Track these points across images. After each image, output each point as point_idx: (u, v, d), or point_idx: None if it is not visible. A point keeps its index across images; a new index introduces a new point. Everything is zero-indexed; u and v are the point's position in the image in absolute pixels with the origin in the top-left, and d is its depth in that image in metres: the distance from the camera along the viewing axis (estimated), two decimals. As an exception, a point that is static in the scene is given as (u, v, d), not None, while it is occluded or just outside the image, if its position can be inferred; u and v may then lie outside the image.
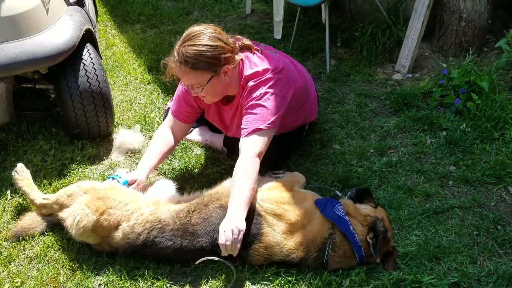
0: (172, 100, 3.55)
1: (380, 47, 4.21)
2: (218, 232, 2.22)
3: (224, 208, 2.31)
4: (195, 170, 3.01)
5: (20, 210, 2.72)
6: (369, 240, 2.26)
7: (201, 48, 2.37)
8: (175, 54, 2.42)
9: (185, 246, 2.28)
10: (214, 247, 2.26)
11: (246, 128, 2.49)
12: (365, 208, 2.42)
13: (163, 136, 2.79)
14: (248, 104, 2.55)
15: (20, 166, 2.72)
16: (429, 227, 2.53)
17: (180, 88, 2.79)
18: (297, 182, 2.60)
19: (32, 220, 2.57)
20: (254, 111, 2.52)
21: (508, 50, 3.43)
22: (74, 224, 2.31)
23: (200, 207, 2.36)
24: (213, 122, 2.96)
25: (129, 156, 3.18)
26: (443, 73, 3.58)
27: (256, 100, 2.53)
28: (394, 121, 3.41)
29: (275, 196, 2.38)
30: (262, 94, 2.53)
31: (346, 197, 2.57)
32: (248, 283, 2.27)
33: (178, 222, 2.31)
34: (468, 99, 3.36)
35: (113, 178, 2.54)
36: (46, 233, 2.55)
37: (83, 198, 2.39)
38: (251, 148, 2.43)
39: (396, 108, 3.55)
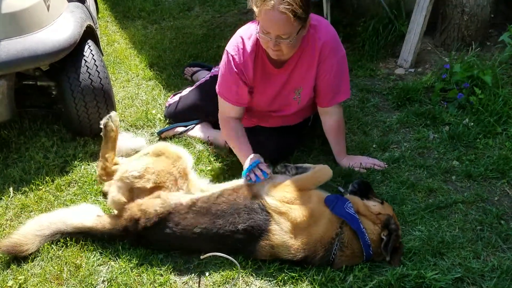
0: (174, 95, 3.56)
1: (382, 42, 4.20)
2: (233, 216, 2.29)
3: (245, 197, 2.36)
4: (197, 167, 3.00)
5: (22, 208, 2.73)
6: (383, 237, 2.25)
7: None
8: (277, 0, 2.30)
9: (202, 223, 2.31)
10: (226, 232, 2.28)
11: (335, 97, 2.80)
12: (374, 205, 2.39)
13: (234, 124, 2.79)
14: (332, 67, 2.70)
15: (115, 114, 2.76)
16: (433, 222, 2.52)
17: (229, 75, 2.70)
18: (315, 181, 2.50)
19: (24, 238, 2.38)
20: (339, 76, 2.75)
21: (511, 44, 3.41)
22: (132, 171, 2.45)
23: (235, 188, 2.43)
24: (255, 101, 2.85)
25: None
26: (446, 67, 3.56)
27: (339, 63, 2.71)
28: (397, 116, 3.40)
29: (279, 194, 2.37)
30: (343, 56, 2.75)
31: (348, 192, 2.55)
32: (251, 279, 2.27)
33: (207, 201, 2.38)
34: (471, 93, 3.34)
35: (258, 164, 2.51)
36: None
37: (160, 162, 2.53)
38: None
39: (399, 103, 3.53)
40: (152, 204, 2.37)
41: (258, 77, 2.73)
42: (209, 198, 2.40)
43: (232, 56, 2.66)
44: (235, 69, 2.66)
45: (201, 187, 2.57)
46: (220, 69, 2.78)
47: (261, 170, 2.48)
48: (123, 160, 2.81)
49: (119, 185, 2.48)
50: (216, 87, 2.81)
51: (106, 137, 2.71)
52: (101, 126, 2.71)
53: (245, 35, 2.67)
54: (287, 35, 2.41)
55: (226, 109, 2.80)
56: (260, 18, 2.43)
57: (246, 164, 2.55)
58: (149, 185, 2.43)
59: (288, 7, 2.30)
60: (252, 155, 2.59)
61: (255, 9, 2.44)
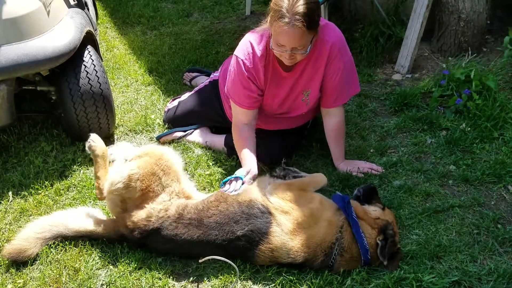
0: (173, 100, 3.58)
1: (380, 48, 4.23)
2: (229, 225, 2.27)
3: (240, 204, 2.33)
4: (196, 171, 3.02)
5: (22, 212, 2.74)
6: (378, 242, 2.27)
7: (314, 6, 2.39)
8: (289, 15, 2.34)
9: (198, 236, 2.30)
10: (223, 241, 2.28)
11: (340, 98, 2.85)
12: (375, 210, 2.42)
13: (247, 131, 2.80)
14: (339, 69, 2.71)
15: (94, 135, 2.72)
16: (430, 226, 2.54)
17: (240, 80, 2.71)
18: (315, 184, 2.56)
19: (26, 242, 2.40)
20: (346, 78, 2.78)
21: (510, 48, 3.43)
22: (117, 182, 2.41)
23: (220, 199, 2.39)
24: (265, 104, 2.87)
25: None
26: (444, 73, 3.58)
27: (346, 65, 2.73)
28: (394, 121, 3.42)
29: (282, 193, 2.39)
30: (350, 58, 2.78)
31: (352, 197, 2.57)
32: (249, 282, 2.28)
33: (196, 212, 2.35)
34: (468, 99, 3.36)
35: (236, 178, 2.47)
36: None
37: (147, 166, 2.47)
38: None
39: (396, 108, 3.56)
40: (140, 218, 2.37)
41: (268, 81, 2.76)
42: (196, 208, 2.37)
43: (242, 60, 2.68)
44: (246, 73, 2.68)
45: (188, 193, 2.54)
46: (229, 74, 2.80)
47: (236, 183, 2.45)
48: (111, 170, 2.75)
49: (110, 198, 2.47)
50: (226, 92, 2.84)
51: (93, 157, 2.70)
52: (87, 151, 2.73)
53: (254, 40, 2.69)
54: (302, 46, 2.46)
55: (239, 114, 2.82)
56: (273, 32, 2.46)
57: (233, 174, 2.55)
58: (136, 194, 2.40)
59: (302, 21, 2.34)
60: (242, 169, 2.59)
61: (268, 25, 2.49)
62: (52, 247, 2.46)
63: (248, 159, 2.67)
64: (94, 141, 2.70)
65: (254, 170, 2.60)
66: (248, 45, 2.69)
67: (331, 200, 2.47)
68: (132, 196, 2.40)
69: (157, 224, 2.34)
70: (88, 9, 3.58)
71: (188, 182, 2.62)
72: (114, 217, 2.52)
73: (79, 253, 2.44)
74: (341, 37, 2.74)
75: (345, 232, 2.29)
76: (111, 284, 2.29)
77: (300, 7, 2.33)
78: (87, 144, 2.71)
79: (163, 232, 2.33)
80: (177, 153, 2.65)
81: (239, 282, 2.27)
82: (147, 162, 2.47)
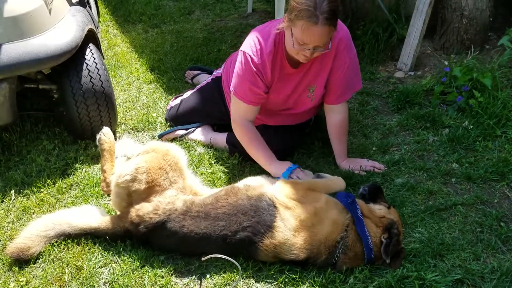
0: (175, 98, 3.58)
1: (382, 46, 4.22)
2: (237, 216, 2.29)
3: (250, 197, 2.35)
4: (198, 169, 3.02)
5: (24, 210, 2.74)
6: (383, 240, 2.27)
7: (338, 3, 2.42)
8: (317, 14, 2.34)
9: (204, 227, 2.31)
10: (229, 232, 2.28)
11: (344, 94, 2.88)
12: (380, 209, 2.41)
13: (253, 129, 2.85)
14: (345, 64, 2.75)
15: (107, 129, 2.86)
16: (432, 224, 2.53)
17: (247, 76, 2.70)
18: (327, 187, 2.54)
19: (29, 240, 2.39)
20: (351, 73, 2.80)
21: (511, 47, 3.43)
22: (124, 175, 2.42)
23: (229, 193, 2.40)
24: (270, 99, 2.87)
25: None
26: (445, 70, 3.58)
27: (351, 60, 2.76)
28: (396, 119, 3.41)
29: (289, 190, 2.39)
30: (355, 54, 2.81)
31: (357, 195, 2.57)
32: (252, 281, 2.27)
33: (203, 205, 2.36)
34: (470, 96, 3.36)
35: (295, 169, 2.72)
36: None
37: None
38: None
39: (398, 106, 3.55)
40: (146, 211, 2.37)
41: (275, 77, 2.75)
42: (204, 202, 2.38)
43: (250, 56, 2.67)
44: (254, 69, 2.67)
45: (195, 189, 2.54)
46: (235, 71, 2.78)
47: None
48: (117, 164, 2.82)
49: (116, 191, 2.48)
50: (232, 88, 2.82)
51: (100, 150, 2.82)
52: (97, 143, 2.86)
53: (262, 36, 2.68)
54: (324, 44, 2.47)
55: (242, 110, 2.81)
56: (296, 30, 2.44)
57: (276, 169, 2.72)
58: (142, 186, 2.40)
59: (330, 20, 2.36)
60: (286, 162, 2.74)
61: (286, 23, 2.49)
62: (54, 246, 2.46)
63: (270, 156, 2.79)
64: (105, 134, 2.82)
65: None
66: (256, 41, 2.68)
67: (337, 200, 2.46)
68: (138, 189, 2.41)
69: (163, 217, 2.34)
70: (89, 7, 3.58)
71: (194, 178, 2.62)
72: (118, 213, 2.52)
73: (81, 251, 2.44)
74: (348, 33, 2.75)
75: (350, 230, 2.29)
76: (113, 282, 2.28)
77: (327, 6, 2.34)
78: (97, 136, 2.85)
79: (169, 224, 2.33)
80: (181, 150, 2.65)
81: (241, 280, 2.27)
82: (154, 157, 2.48)
